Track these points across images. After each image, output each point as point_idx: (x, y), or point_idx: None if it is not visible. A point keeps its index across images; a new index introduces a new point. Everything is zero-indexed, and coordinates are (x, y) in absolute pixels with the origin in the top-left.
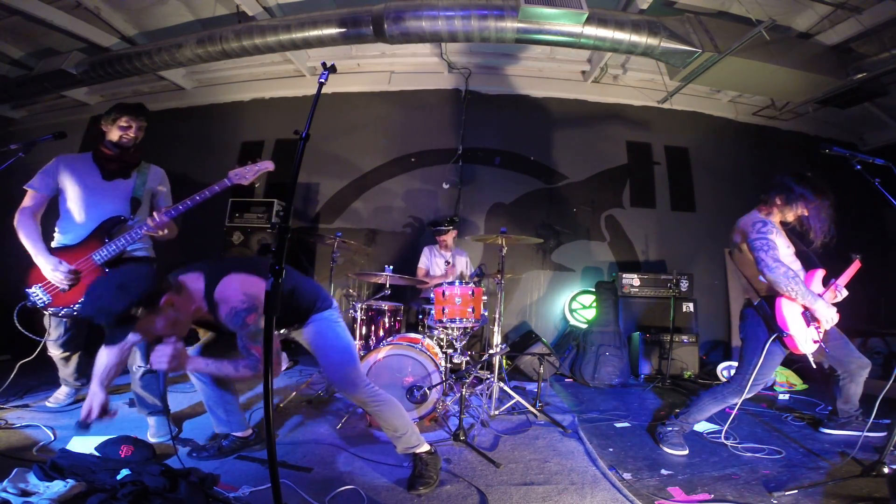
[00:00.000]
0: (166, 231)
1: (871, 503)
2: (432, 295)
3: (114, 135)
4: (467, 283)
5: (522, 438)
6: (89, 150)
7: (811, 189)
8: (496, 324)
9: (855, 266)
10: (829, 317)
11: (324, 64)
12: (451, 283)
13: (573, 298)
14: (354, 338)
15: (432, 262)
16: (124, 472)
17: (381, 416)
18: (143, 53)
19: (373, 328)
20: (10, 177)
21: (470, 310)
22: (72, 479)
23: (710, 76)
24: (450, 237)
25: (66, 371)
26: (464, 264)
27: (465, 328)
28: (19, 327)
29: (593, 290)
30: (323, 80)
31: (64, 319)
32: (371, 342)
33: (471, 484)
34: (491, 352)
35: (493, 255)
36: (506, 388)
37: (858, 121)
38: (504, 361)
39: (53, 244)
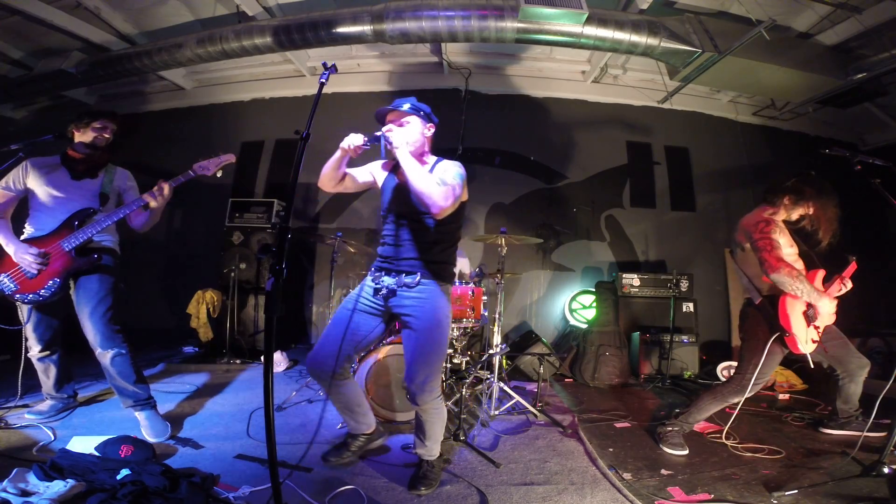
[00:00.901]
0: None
1: (871, 503)
2: None
3: (87, 137)
4: (467, 283)
5: (522, 438)
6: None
7: (819, 189)
8: (496, 324)
9: (852, 267)
10: (829, 312)
11: (324, 64)
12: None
13: (573, 298)
14: None
15: None
16: (124, 472)
17: (435, 422)
18: (143, 53)
19: None
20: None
21: (470, 310)
22: (72, 479)
23: (710, 76)
24: None
25: (48, 383)
26: (464, 265)
27: (465, 328)
28: None
29: (593, 290)
30: (324, 80)
31: (30, 306)
32: (372, 344)
33: (471, 484)
34: (491, 352)
35: (493, 255)
36: (506, 388)
37: (858, 121)
38: (504, 361)
39: (23, 237)
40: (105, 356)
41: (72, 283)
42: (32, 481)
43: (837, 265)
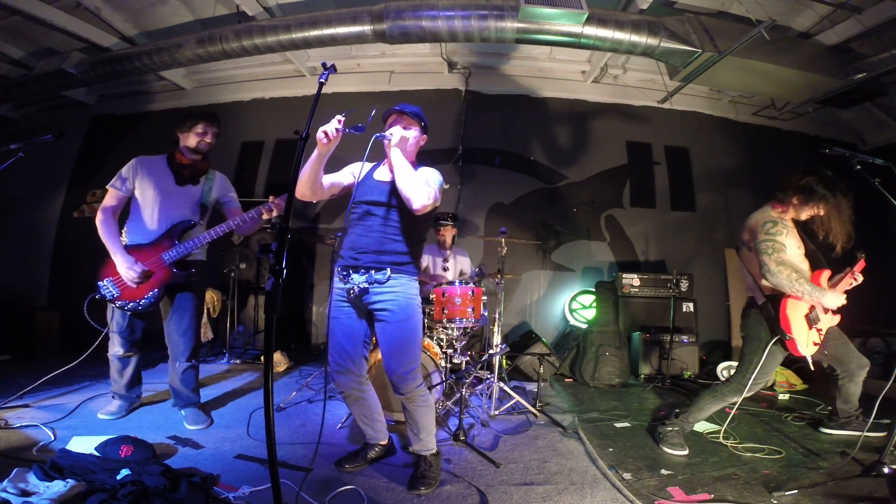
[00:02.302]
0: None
1: (871, 503)
2: (432, 295)
3: (191, 141)
4: (467, 283)
5: (522, 438)
6: (88, 148)
7: (832, 190)
8: (496, 324)
9: (860, 265)
10: (839, 305)
11: (324, 64)
12: (451, 283)
13: (573, 298)
14: None
15: (432, 262)
16: (124, 472)
17: (425, 411)
18: (143, 53)
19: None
20: (10, 176)
21: (470, 310)
22: (72, 479)
23: (710, 76)
24: (448, 233)
25: (120, 382)
26: (465, 264)
27: (465, 328)
28: (87, 318)
29: (593, 290)
30: (323, 80)
31: (128, 313)
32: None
33: (471, 484)
34: (491, 352)
35: (493, 255)
36: (506, 388)
37: (858, 121)
38: (504, 361)
39: (126, 241)
40: (182, 367)
41: (166, 295)
42: (32, 481)
43: (846, 262)
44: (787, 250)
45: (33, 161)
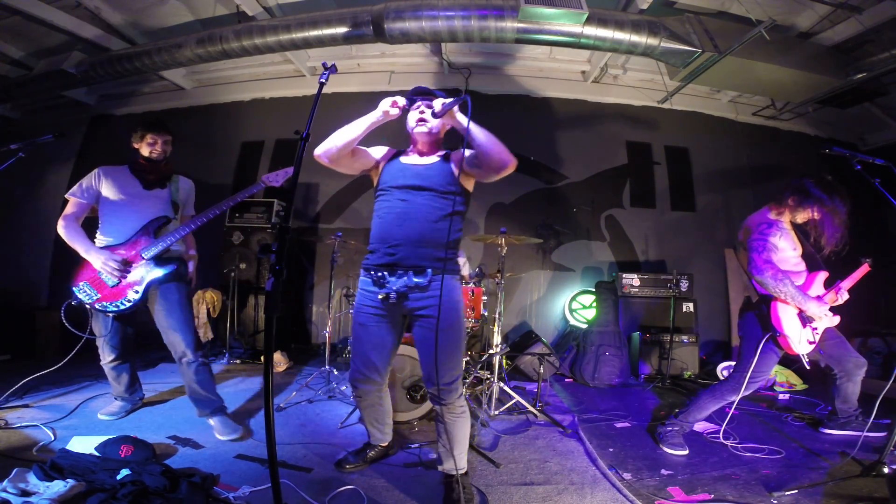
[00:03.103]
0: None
1: (871, 503)
2: None
3: (144, 150)
4: (467, 283)
5: (522, 438)
6: (88, 148)
7: (828, 194)
8: (496, 324)
9: (863, 269)
10: (822, 316)
11: (324, 64)
12: None
13: (573, 298)
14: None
15: None
16: (124, 472)
17: (463, 424)
18: (143, 53)
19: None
20: (10, 177)
21: (470, 310)
22: (72, 479)
23: (710, 76)
24: None
25: (119, 388)
26: (464, 265)
27: (465, 328)
28: (66, 324)
29: (593, 290)
30: (323, 80)
31: (110, 317)
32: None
33: (472, 485)
34: (491, 352)
35: (493, 255)
36: (506, 388)
37: (858, 121)
38: (504, 361)
39: (98, 245)
40: (192, 365)
41: (150, 293)
42: (32, 481)
43: (849, 267)
44: (780, 252)
45: (33, 161)
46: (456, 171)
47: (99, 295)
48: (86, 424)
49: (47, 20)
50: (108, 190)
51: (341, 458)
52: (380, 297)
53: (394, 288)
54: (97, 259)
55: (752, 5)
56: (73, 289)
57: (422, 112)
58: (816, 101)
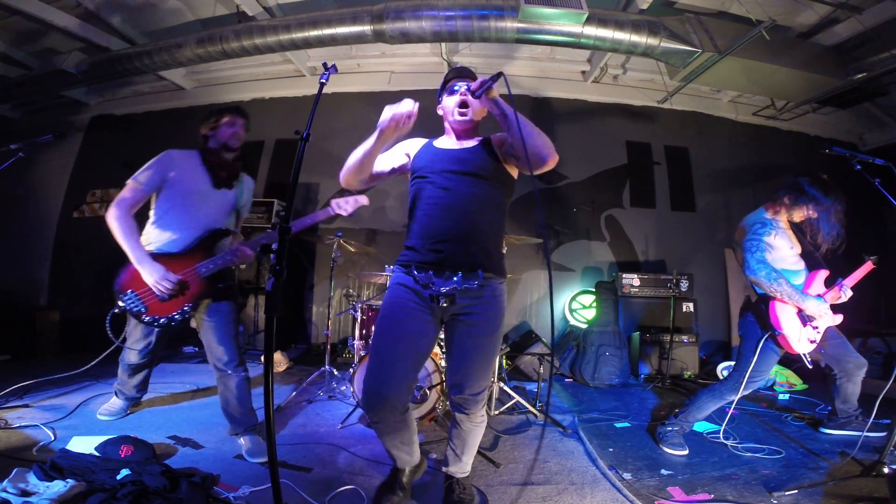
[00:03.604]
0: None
1: (871, 503)
2: None
3: (223, 135)
4: None
5: (522, 438)
6: (89, 148)
7: (823, 192)
8: None
9: (866, 267)
10: (822, 314)
11: (325, 64)
12: None
13: (573, 298)
14: (354, 338)
15: None
16: (124, 472)
17: (479, 433)
18: (143, 53)
19: (373, 328)
20: (10, 177)
21: None
22: (72, 479)
23: (710, 76)
24: None
25: (130, 383)
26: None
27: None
28: (111, 335)
29: (593, 290)
30: (324, 80)
31: (157, 329)
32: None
33: (472, 485)
34: None
35: None
36: (506, 388)
37: (858, 121)
38: (504, 361)
39: (151, 248)
40: (232, 378)
41: (201, 307)
42: (32, 481)
43: (851, 265)
44: (776, 251)
45: (33, 161)
46: (500, 155)
47: (147, 307)
48: (86, 424)
49: (47, 20)
50: (175, 180)
51: (375, 496)
52: (426, 293)
53: (442, 290)
54: (150, 275)
55: (752, 5)
56: (121, 297)
57: (463, 95)
58: (816, 101)
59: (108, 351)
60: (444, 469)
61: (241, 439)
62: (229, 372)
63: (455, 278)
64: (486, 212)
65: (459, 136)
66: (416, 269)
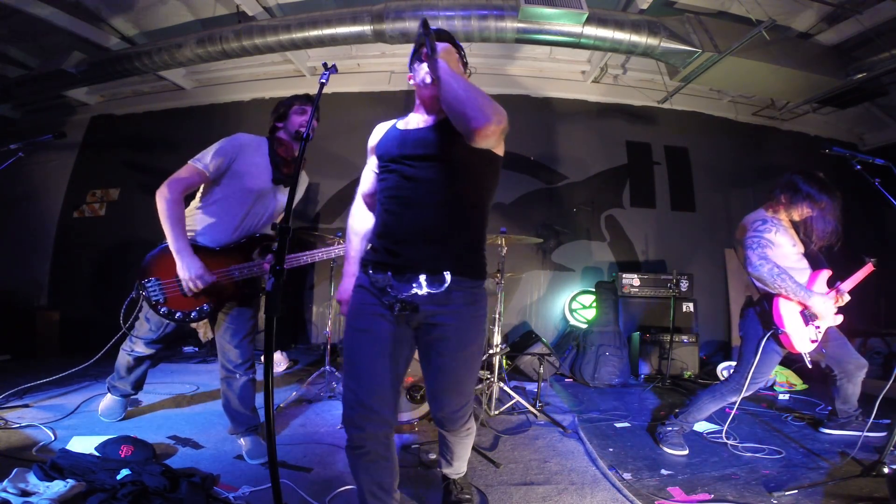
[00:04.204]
0: None
1: (871, 503)
2: None
3: (294, 123)
4: None
5: (522, 438)
6: (89, 148)
7: (818, 188)
8: (496, 324)
9: (867, 269)
10: (826, 312)
11: (325, 64)
12: None
13: (573, 298)
14: None
15: None
16: (124, 472)
17: (468, 443)
18: (143, 53)
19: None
20: (10, 177)
21: None
22: (72, 479)
23: (710, 76)
24: None
25: (128, 378)
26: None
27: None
28: (124, 326)
29: (593, 290)
30: (324, 80)
31: (170, 323)
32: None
33: (471, 484)
34: (491, 352)
35: (493, 255)
36: (506, 388)
37: (858, 121)
38: (504, 361)
39: (191, 237)
40: (240, 380)
41: (224, 304)
42: (32, 481)
43: (853, 266)
44: (778, 247)
45: (33, 161)
46: None
47: (167, 297)
48: (86, 424)
49: (47, 20)
50: (238, 170)
51: None
52: (385, 301)
53: (399, 297)
54: (187, 270)
55: (752, 5)
56: (144, 282)
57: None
58: (816, 101)
59: (112, 342)
60: (439, 469)
61: (241, 440)
62: (238, 375)
63: (415, 283)
64: (455, 204)
65: (429, 110)
66: (373, 269)
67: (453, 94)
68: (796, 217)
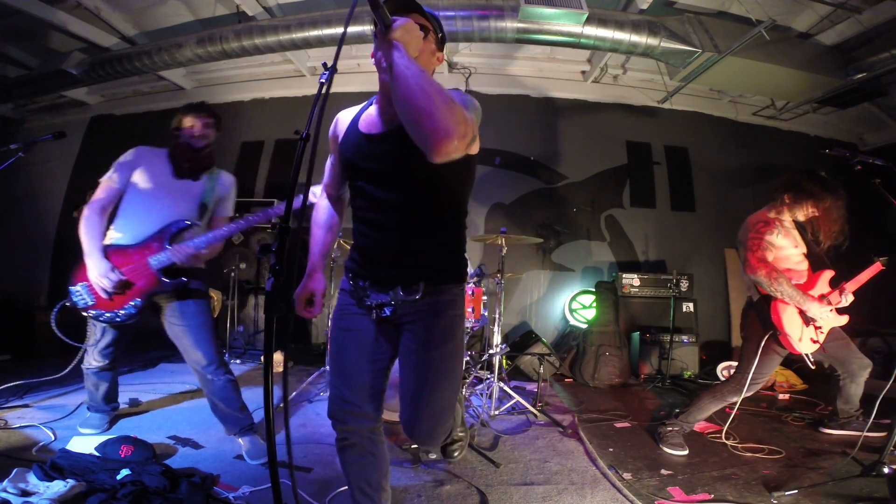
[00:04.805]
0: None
1: (871, 503)
2: None
3: (186, 133)
4: (467, 283)
5: (522, 438)
6: (89, 148)
7: (821, 187)
8: (496, 324)
9: (875, 268)
10: (824, 316)
11: (324, 64)
12: None
13: (573, 298)
14: None
15: None
16: (124, 472)
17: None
18: (143, 53)
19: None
20: (10, 177)
21: (470, 310)
22: (72, 479)
23: (710, 76)
24: None
25: (96, 396)
26: None
27: (465, 328)
28: (55, 330)
29: (593, 290)
30: (324, 80)
31: (109, 327)
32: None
33: (471, 484)
34: (491, 352)
35: (493, 255)
36: (506, 388)
37: (858, 121)
38: (504, 361)
39: (107, 241)
40: (216, 382)
41: (163, 306)
42: (32, 481)
43: (859, 267)
44: (779, 250)
45: (33, 161)
46: None
47: (94, 301)
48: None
49: (47, 20)
50: (139, 174)
51: None
52: (365, 305)
53: (375, 304)
54: (94, 269)
55: (752, 5)
56: (70, 289)
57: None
58: (816, 101)
59: (80, 355)
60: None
61: (240, 440)
62: (209, 377)
63: (391, 292)
64: (425, 222)
65: (388, 103)
66: (353, 278)
67: (405, 96)
68: (801, 217)
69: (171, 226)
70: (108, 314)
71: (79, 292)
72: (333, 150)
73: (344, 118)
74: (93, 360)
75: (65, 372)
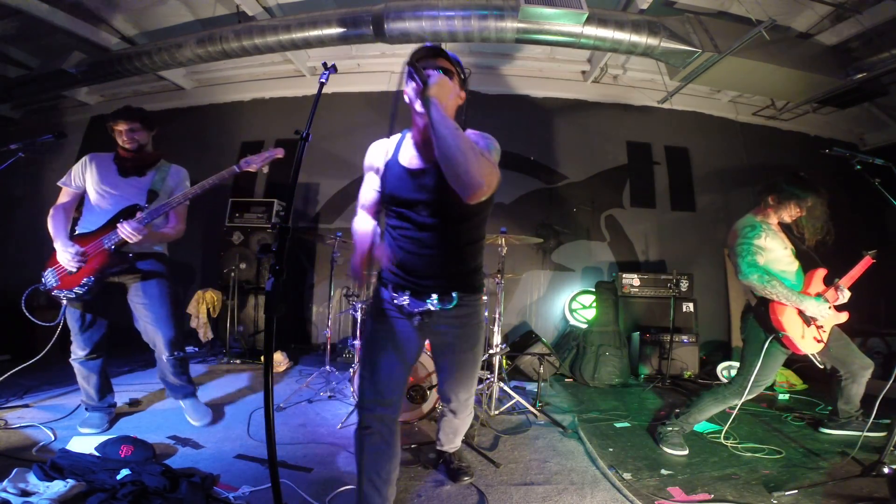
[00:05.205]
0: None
1: (871, 503)
2: None
3: (117, 137)
4: None
5: (522, 438)
6: (88, 148)
7: (801, 188)
8: (496, 324)
9: (865, 263)
10: (822, 314)
11: (324, 64)
12: None
13: (573, 298)
14: (354, 338)
15: None
16: (124, 472)
17: (465, 424)
18: (143, 53)
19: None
20: (10, 176)
21: None
22: (72, 479)
23: (710, 76)
24: None
25: (90, 391)
26: None
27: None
28: (25, 311)
29: (593, 290)
30: (323, 80)
31: (76, 308)
32: None
33: (471, 484)
34: (491, 352)
35: (493, 255)
36: (506, 388)
37: (858, 121)
38: (504, 361)
39: (75, 232)
40: (169, 361)
41: (129, 286)
42: (32, 481)
43: (851, 263)
44: (769, 252)
45: (33, 161)
46: None
47: (59, 282)
48: None
49: (47, 20)
50: (91, 177)
51: None
52: (404, 310)
53: (414, 309)
54: (60, 249)
55: (752, 5)
56: (42, 274)
57: (418, 85)
58: (816, 101)
59: (56, 336)
60: (438, 447)
61: (182, 403)
62: (164, 355)
63: (428, 300)
64: (462, 243)
65: (424, 141)
66: (393, 289)
67: (446, 153)
68: (787, 218)
69: (123, 211)
70: (67, 292)
71: (46, 276)
72: (371, 178)
73: (379, 150)
74: (78, 349)
75: (38, 357)
